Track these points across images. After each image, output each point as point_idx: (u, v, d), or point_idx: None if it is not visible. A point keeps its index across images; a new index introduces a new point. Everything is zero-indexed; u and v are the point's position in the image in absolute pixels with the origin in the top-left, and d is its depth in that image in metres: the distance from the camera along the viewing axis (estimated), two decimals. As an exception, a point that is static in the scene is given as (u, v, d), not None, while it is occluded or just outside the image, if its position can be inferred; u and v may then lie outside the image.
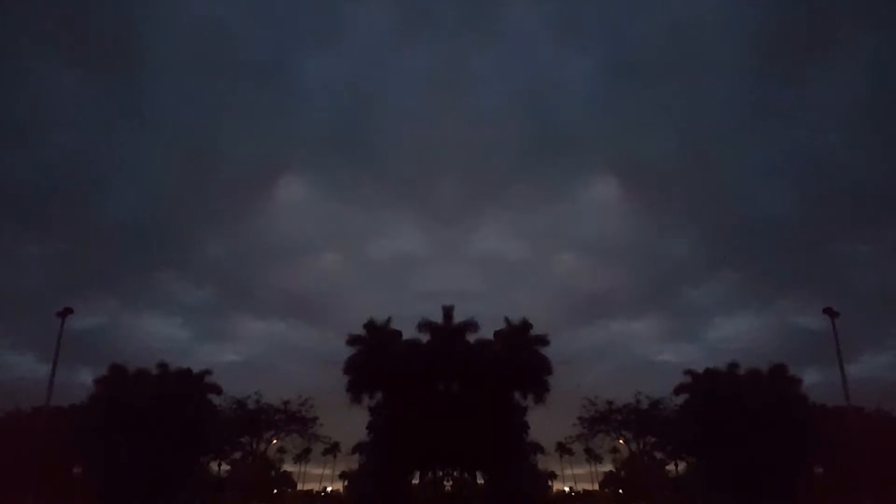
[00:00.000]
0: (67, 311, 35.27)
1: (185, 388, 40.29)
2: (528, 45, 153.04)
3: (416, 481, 42.66)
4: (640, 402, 55.18)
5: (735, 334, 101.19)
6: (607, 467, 72.73)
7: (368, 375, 40.19)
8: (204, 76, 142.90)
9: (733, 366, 40.85)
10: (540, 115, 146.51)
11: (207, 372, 42.58)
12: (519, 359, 39.92)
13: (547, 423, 44.83)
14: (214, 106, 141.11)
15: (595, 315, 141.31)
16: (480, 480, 41.85)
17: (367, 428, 41.25)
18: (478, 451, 38.59)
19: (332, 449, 72.53)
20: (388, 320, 41.57)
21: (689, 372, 42.41)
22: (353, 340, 41.11)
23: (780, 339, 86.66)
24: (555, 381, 40.47)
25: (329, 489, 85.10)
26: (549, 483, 64.89)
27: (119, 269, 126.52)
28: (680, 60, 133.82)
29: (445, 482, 42.35)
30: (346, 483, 63.24)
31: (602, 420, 58.29)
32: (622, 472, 67.59)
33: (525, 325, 41.32)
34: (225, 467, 53.23)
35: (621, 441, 61.25)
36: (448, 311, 41.69)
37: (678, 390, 43.10)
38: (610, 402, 57.54)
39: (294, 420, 57.72)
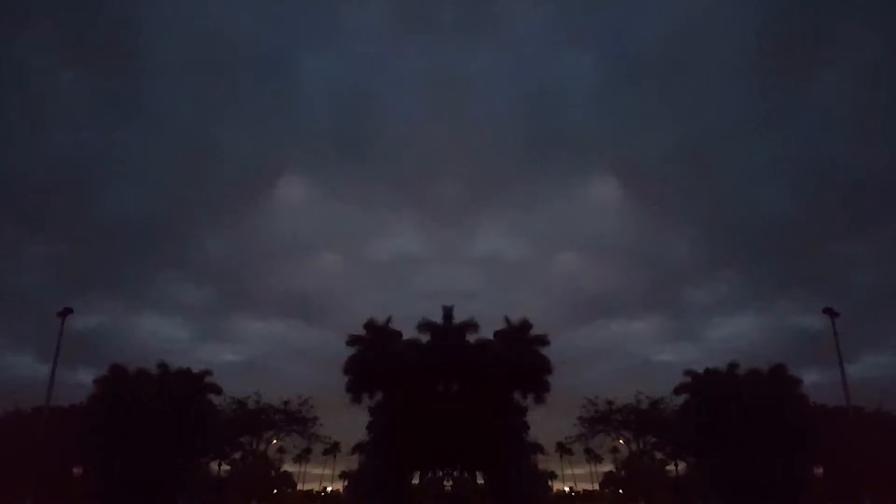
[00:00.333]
0: (67, 311, 35.40)
1: (185, 388, 40.33)
2: (528, 45, 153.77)
3: (416, 481, 42.74)
4: (640, 402, 55.45)
5: (735, 334, 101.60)
6: (607, 467, 72.91)
7: (368, 375, 40.14)
8: (203, 76, 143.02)
9: (733, 366, 40.84)
10: (540, 115, 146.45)
11: (207, 372, 42.60)
12: (519, 359, 39.83)
13: (547, 423, 44.95)
14: (214, 105, 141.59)
15: (595, 315, 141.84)
16: (480, 480, 41.92)
17: (367, 428, 41.19)
18: (478, 451, 38.60)
19: (332, 449, 72.70)
20: (388, 320, 41.48)
21: (689, 372, 42.38)
22: (353, 340, 41.04)
23: (779, 339, 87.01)
24: (555, 381, 40.44)
25: (329, 489, 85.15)
26: (549, 483, 64.84)
27: (119, 269, 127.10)
28: (680, 61, 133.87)
29: (445, 482, 42.31)
30: (346, 483, 63.12)
31: (602, 420, 58.47)
32: (622, 472, 67.63)
33: (525, 325, 41.24)
34: (225, 467, 53.19)
35: (621, 441, 61.41)
36: (448, 311, 41.64)
37: (678, 390, 43.11)
38: (610, 402, 57.78)
39: (294, 420, 57.91)
